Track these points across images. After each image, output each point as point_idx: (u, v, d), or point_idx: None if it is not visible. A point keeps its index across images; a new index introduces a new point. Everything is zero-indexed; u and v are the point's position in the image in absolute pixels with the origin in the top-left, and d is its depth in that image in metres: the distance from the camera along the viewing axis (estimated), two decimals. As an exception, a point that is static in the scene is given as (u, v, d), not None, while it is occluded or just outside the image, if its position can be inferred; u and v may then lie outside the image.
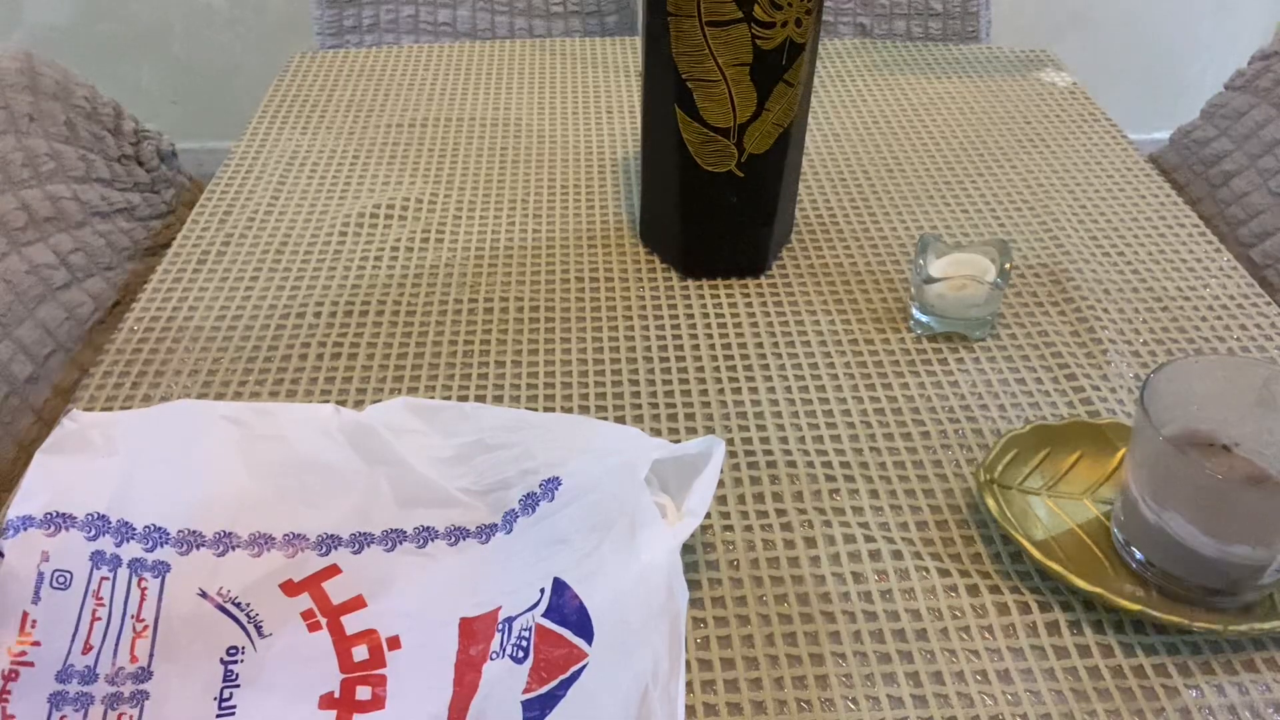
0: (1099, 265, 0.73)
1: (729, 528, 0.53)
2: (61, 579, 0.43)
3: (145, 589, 0.45)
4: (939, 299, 0.65)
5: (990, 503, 0.51)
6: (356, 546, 0.48)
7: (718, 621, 0.48)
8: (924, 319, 0.66)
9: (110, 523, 0.46)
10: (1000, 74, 1.01)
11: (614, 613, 0.44)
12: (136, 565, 0.45)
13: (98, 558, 0.44)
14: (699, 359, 0.65)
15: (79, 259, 0.71)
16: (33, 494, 0.45)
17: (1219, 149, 0.88)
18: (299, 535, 0.48)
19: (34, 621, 0.42)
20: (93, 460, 0.48)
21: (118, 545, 0.45)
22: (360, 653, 0.45)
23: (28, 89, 0.73)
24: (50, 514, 0.45)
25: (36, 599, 0.43)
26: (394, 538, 0.49)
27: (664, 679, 0.43)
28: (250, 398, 0.61)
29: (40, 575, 0.43)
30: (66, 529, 0.44)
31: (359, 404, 0.61)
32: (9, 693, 0.40)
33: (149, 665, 0.43)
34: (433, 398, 0.61)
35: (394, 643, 0.45)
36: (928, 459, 0.57)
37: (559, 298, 0.70)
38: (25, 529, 0.44)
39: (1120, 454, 0.55)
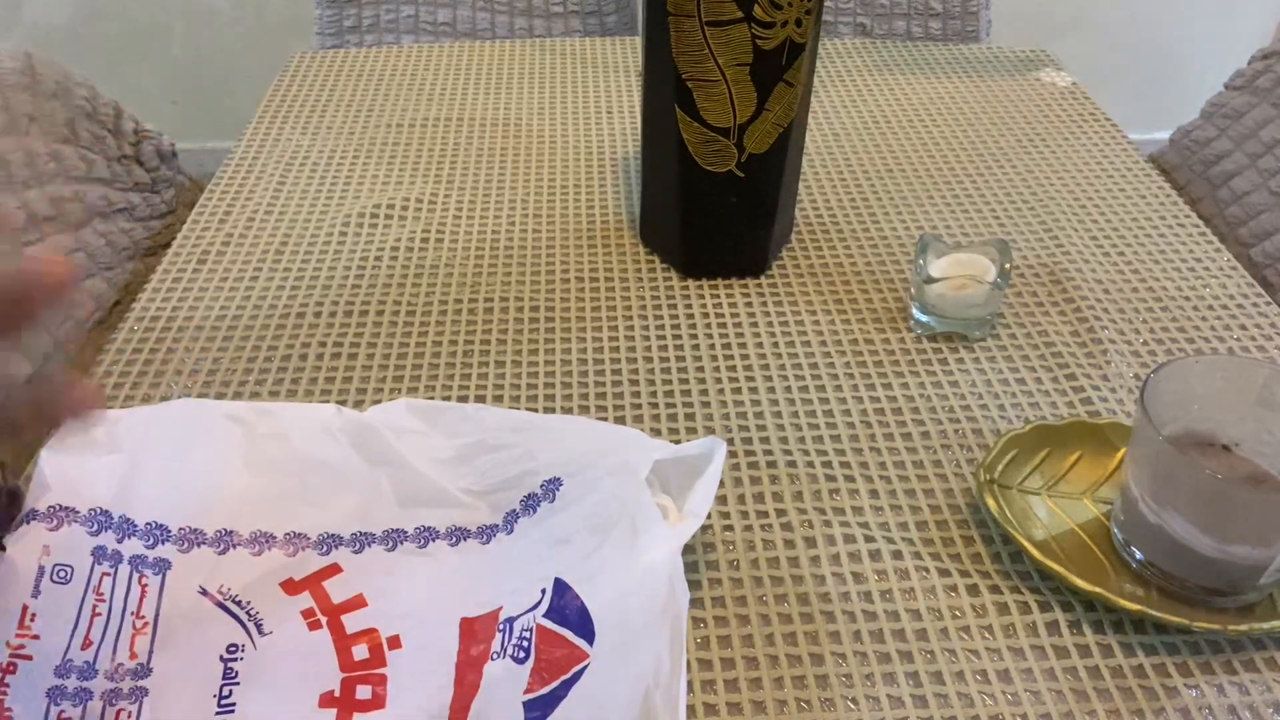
0: (1099, 265, 0.73)
1: (729, 528, 0.53)
2: (62, 573, 0.43)
3: (146, 586, 0.45)
4: (939, 299, 0.65)
5: (990, 503, 0.51)
6: (357, 546, 0.48)
7: (718, 621, 0.48)
8: (924, 319, 0.66)
9: (112, 518, 0.46)
10: (1000, 74, 1.01)
11: (615, 613, 0.44)
12: (137, 562, 0.45)
13: (99, 553, 0.44)
14: (699, 359, 0.65)
15: (79, 259, 0.71)
16: (39, 490, 0.45)
17: (1219, 149, 0.88)
18: (300, 534, 0.48)
19: (33, 615, 0.42)
20: (96, 456, 0.48)
21: (119, 541, 0.45)
22: (360, 652, 0.45)
23: (28, 89, 0.73)
24: (53, 508, 0.45)
25: (37, 593, 0.43)
26: (395, 537, 0.49)
27: (665, 679, 0.43)
28: (250, 397, 0.61)
29: (41, 569, 0.43)
30: (69, 523, 0.44)
31: (359, 404, 0.61)
32: (6, 686, 0.40)
33: (148, 662, 0.43)
34: (433, 398, 0.61)
35: (394, 642, 0.45)
36: (928, 459, 0.57)
37: (559, 298, 0.70)
38: (27, 522, 0.44)
39: (1120, 454, 0.55)
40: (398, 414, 0.53)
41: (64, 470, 0.46)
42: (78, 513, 0.45)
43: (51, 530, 0.44)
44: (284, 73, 1.00)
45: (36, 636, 0.42)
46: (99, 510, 0.45)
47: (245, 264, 0.73)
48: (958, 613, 0.49)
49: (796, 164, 0.71)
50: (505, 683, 0.42)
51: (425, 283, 0.71)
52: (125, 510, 0.46)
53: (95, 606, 0.44)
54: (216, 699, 0.43)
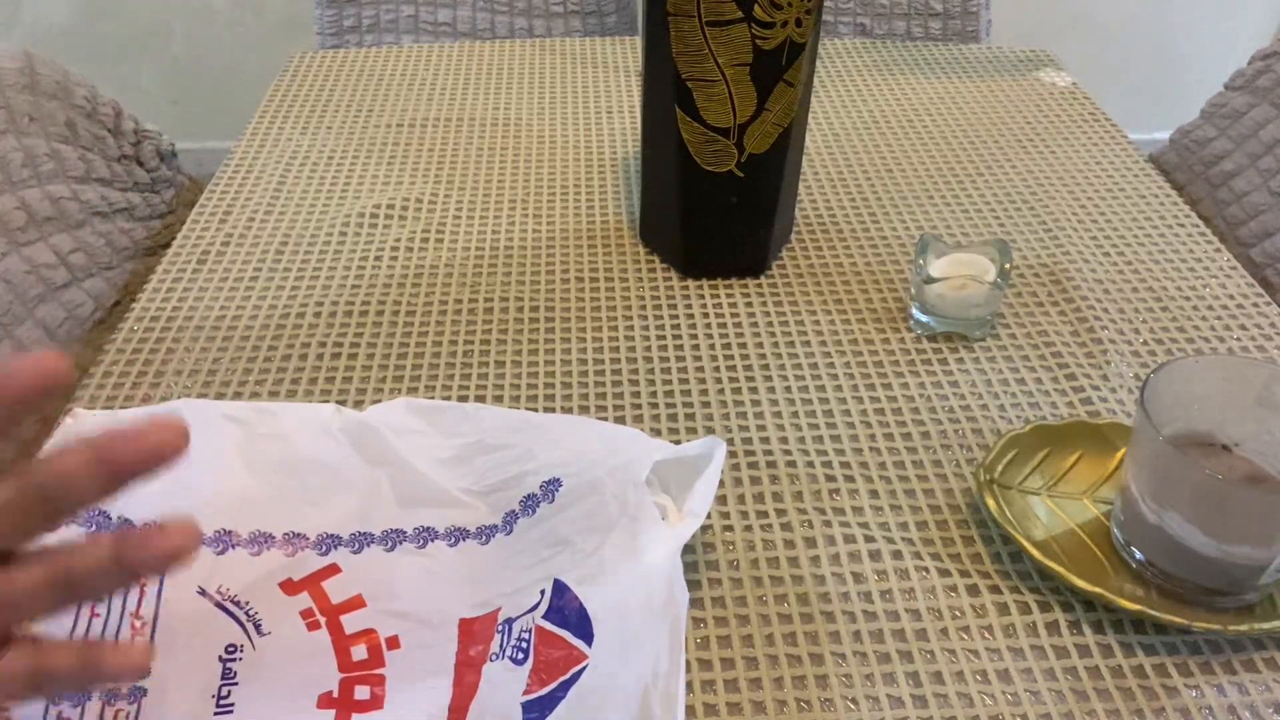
0: (1099, 265, 0.73)
1: (729, 528, 0.53)
2: None
3: (144, 586, 0.45)
4: (939, 299, 0.65)
5: (990, 503, 0.51)
6: (356, 546, 0.48)
7: (718, 621, 0.48)
8: (924, 319, 0.66)
9: (110, 519, 0.46)
10: (1000, 74, 1.01)
11: (614, 614, 0.44)
12: (136, 564, 0.45)
13: (98, 555, 0.44)
14: (699, 359, 0.65)
15: (79, 259, 0.71)
16: None
17: (1219, 149, 0.88)
18: (299, 534, 0.48)
19: None
20: None
21: (118, 544, 0.45)
22: (359, 652, 0.44)
23: (28, 89, 0.73)
24: None
25: None
26: (394, 538, 0.49)
27: (664, 680, 0.43)
28: (250, 397, 0.61)
29: None
30: (67, 524, 0.44)
31: (359, 404, 0.61)
32: None
33: (148, 663, 0.43)
34: (433, 398, 0.61)
35: (393, 642, 0.45)
36: (928, 459, 0.57)
37: (559, 298, 0.70)
38: None
39: (1120, 454, 0.55)
40: (397, 414, 0.53)
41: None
42: (76, 513, 0.45)
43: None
44: (284, 73, 1.00)
45: None
46: (97, 510, 0.45)
47: (245, 264, 0.73)
48: (958, 613, 0.49)
49: (796, 164, 0.71)
50: (504, 683, 0.42)
51: (425, 283, 0.71)
52: (123, 510, 0.46)
53: (93, 607, 0.43)
54: (215, 699, 0.43)
